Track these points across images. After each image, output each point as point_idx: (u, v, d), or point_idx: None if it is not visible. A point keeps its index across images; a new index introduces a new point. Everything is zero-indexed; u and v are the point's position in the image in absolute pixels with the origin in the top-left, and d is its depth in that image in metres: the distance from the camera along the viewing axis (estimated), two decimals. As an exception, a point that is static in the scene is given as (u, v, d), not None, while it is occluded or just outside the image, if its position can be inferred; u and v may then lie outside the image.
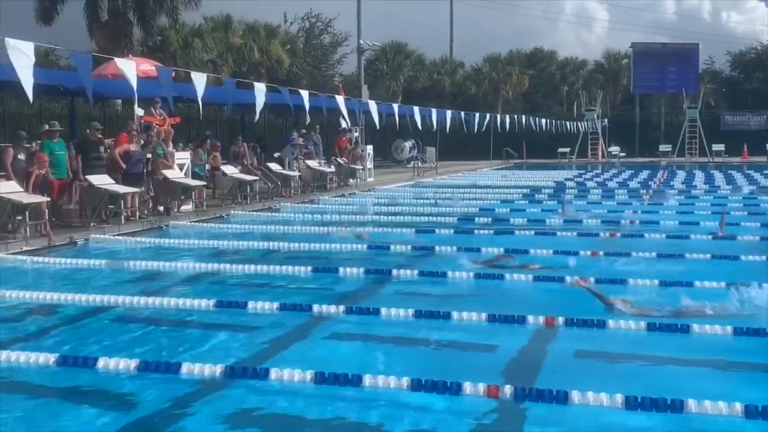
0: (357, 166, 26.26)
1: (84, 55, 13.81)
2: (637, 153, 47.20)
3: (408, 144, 40.08)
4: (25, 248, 11.94)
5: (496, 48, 60.42)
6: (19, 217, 12.51)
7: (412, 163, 35.29)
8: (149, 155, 16.10)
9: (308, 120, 24.21)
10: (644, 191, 22.85)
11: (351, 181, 25.61)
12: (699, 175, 29.91)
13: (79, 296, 8.71)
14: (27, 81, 11.15)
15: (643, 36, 71.59)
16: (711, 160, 41.65)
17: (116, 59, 15.10)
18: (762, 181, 26.51)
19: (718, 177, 28.76)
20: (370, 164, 28.62)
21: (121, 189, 14.71)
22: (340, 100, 22.74)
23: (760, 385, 5.95)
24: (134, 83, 13.81)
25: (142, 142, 16.05)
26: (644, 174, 30.58)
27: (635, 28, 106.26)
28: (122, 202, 14.71)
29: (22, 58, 11.04)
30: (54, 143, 14.37)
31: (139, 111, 17.48)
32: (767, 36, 59.91)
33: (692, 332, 7.15)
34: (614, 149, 45.20)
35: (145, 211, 16.01)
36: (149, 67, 16.70)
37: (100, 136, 15.58)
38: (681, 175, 30.66)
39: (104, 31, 33.73)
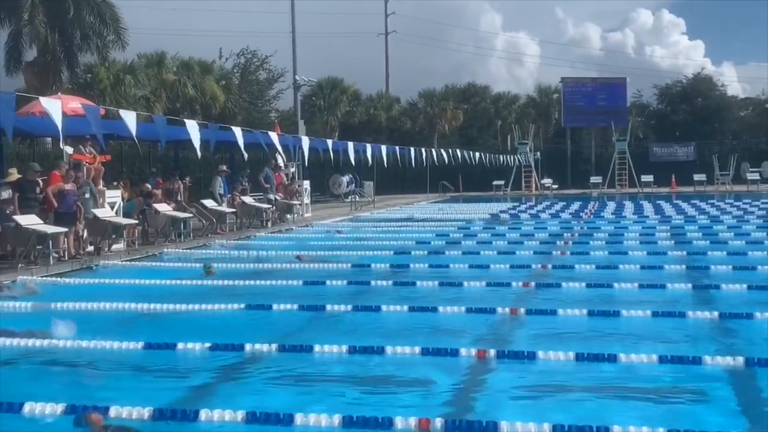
0: (294, 202, 26.19)
1: (6, 94, 13.47)
2: (570, 185, 48.12)
3: (345, 179, 40.18)
4: (-53, 292, 11.57)
5: (431, 83, 61.04)
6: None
7: (350, 197, 35.38)
8: (87, 194, 15.82)
9: (245, 156, 23.92)
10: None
11: (288, 216, 25.50)
12: (629, 205, 30.62)
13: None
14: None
15: (573, 71, 73.19)
16: (640, 190, 42.73)
17: (41, 98, 14.79)
18: (689, 210, 27.28)
19: (647, 207, 29.46)
20: (307, 199, 28.57)
21: (50, 229, 14.36)
22: (273, 136, 22.67)
23: (684, 414, 6.10)
24: (59, 122, 13.45)
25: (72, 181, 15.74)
26: (576, 205, 31.16)
27: (565, 63, 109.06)
28: (50, 242, 14.36)
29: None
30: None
31: (68, 149, 17.17)
32: (691, 69, 61.71)
33: (619, 362, 7.30)
34: (547, 181, 46.02)
35: (74, 252, 15.63)
36: (77, 105, 16.42)
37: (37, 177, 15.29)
38: (611, 205, 31.36)
39: (34, 68, 33.24)
